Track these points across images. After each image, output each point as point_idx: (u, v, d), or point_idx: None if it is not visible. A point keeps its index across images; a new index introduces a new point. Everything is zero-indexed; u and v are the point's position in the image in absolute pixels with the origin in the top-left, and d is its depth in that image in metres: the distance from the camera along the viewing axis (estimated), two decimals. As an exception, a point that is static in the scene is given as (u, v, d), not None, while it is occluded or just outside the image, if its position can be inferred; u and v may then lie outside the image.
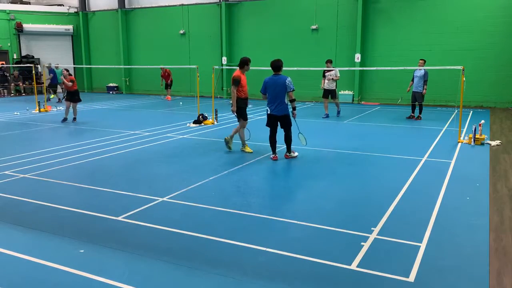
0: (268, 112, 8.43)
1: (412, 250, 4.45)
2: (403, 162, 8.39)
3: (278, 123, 8.45)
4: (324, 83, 14.91)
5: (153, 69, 22.26)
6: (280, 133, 8.49)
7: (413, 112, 14.52)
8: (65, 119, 13.87)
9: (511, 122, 13.87)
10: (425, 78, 13.75)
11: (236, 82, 8.78)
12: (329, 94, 14.85)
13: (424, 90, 13.79)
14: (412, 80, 14.12)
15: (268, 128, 8.60)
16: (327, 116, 14.95)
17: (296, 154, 8.66)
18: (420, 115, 14.17)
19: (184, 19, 24.06)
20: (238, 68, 9.03)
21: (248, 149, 9.16)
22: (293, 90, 8.22)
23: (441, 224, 5.14)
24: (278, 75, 8.26)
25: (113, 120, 14.62)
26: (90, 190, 6.65)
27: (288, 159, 8.48)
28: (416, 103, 14.16)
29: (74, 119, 14.00)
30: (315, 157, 8.80)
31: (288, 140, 8.49)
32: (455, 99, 14.55)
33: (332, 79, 14.70)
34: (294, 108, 8.34)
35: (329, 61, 14.80)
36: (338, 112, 15.21)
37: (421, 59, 13.89)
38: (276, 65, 8.27)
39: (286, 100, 8.26)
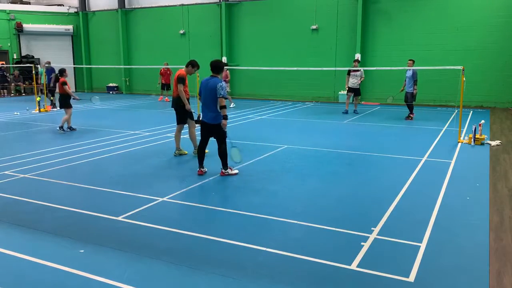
0: (200, 118, 7.53)
1: (412, 250, 4.45)
2: (403, 162, 8.39)
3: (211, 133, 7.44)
4: (348, 81, 15.74)
5: (153, 69, 22.22)
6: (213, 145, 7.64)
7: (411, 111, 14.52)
8: (70, 128, 12.07)
9: (511, 122, 13.87)
10: (414, 78, 13.77)
11: (183, 80, 8.53)
12: (353, 92, 15.68)
13: (414, 90, 13.81)
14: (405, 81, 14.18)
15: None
16: (346, 112, 15.74)
17: (235, 171, 7.46)
18: (411, 115, 14.10)
19: (184, 19, 24.06)
20: (184, 67, 8.76)
21: (183, 152, 8.97)
22: (223, 97, 7.03)
23: (441, 224, 5.14)
24: (214, 78, 7.22)
25: (113, 120, 14.61)
26: (90, 190, 6.65)
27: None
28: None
29: (70, 127, 12.10)
30: (315, 157, 8.80)
31: (221, 154, 7.36)
32: (455, 99, 14.52)
33: (358, 78, 15.54)
34: (224, 117, 7.18)
35: (356, 61, 16.05)
36: (355, 111, 15.82)
37: (409, 60, 14.00)
38: (214, 65, 7.24)
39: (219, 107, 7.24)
